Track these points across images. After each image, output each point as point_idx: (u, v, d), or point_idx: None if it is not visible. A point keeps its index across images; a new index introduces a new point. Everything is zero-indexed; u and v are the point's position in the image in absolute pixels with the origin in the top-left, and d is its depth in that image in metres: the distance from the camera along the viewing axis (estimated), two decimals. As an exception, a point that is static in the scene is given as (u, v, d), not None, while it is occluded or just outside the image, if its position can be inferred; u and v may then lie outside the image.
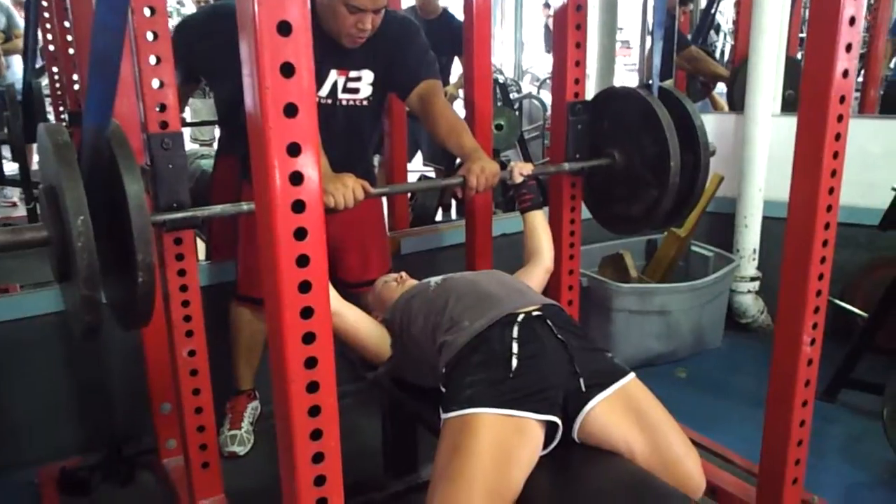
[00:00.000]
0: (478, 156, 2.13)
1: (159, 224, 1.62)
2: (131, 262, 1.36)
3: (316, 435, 1.08)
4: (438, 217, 4.34)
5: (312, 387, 1.06)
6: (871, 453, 2.52)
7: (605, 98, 2.26)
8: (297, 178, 0.97)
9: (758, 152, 3.41)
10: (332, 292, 1.71)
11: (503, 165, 2.21)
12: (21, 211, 4.88)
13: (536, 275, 2.09)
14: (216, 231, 2.84)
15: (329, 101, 2.28)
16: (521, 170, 2.15)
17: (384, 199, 3.07)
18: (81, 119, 1.42)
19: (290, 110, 0.96)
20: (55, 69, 3.70)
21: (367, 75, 2.31)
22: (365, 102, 2.34)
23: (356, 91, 2.32)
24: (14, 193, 5.24)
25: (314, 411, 1.07)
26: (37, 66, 4.01)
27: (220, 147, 2.91)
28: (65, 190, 1.24)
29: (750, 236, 3.52)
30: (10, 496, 2.38)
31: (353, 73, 2.29)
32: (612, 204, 2.29)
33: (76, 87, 3.24)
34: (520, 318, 1.70)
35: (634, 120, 2.13)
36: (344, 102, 2.31)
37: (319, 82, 2.24)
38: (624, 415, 1.62)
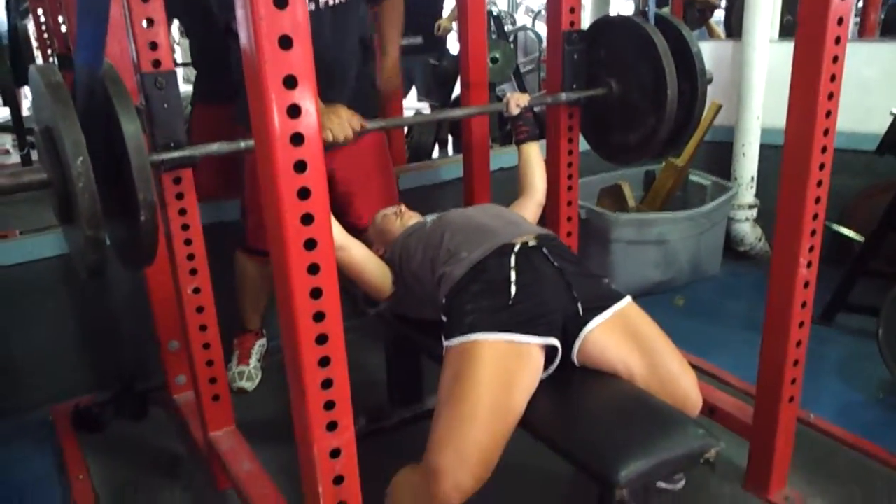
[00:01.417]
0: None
1: (158, 163, 1.62)
2: (132, 202, 1.37)
3: (324, 362, 1.11)
4: (435, 154, 4.33)
5: (319, 316, 1.08)
6: (866, 373, 2.58)
7: (601, 27, 2.23)
8: (294, 111, 0.97)
9: (756, 79, 3.39)
10: (338, 227, 1.73)
11: (499, 99, 2.19)
12: (15, 158, 4.86)
13: (529, 208, 2.10)
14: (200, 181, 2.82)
15: (312, 7, 2.20)
16: (518, 101, 2.14)
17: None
18: (71, 62, 1.41)
19: (285, 42, 0.95)
20: (40, 11, 3.63)
21: None
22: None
23: None
24: (6, 140, 5.20)
25: (321, 339, 1.09)
26: (21, 7, 3.94)
27: (198, 95, 2.86)
28: (62, 131, 1.24)
29: (748, 164, 3.52)
30: (27, 435, 2.45)
31: None
32: (610, 134, 2.29)
33: (63, 28, 3.19)
34: (516, 247, 1.72)
35: (631, 48, 2.11)
36: (330, 2, 2.23)
37: None
38: (621, 337, 1.66)
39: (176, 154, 1.64)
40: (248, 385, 2.60)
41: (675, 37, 2.05)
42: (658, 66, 2.01)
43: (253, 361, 2.65)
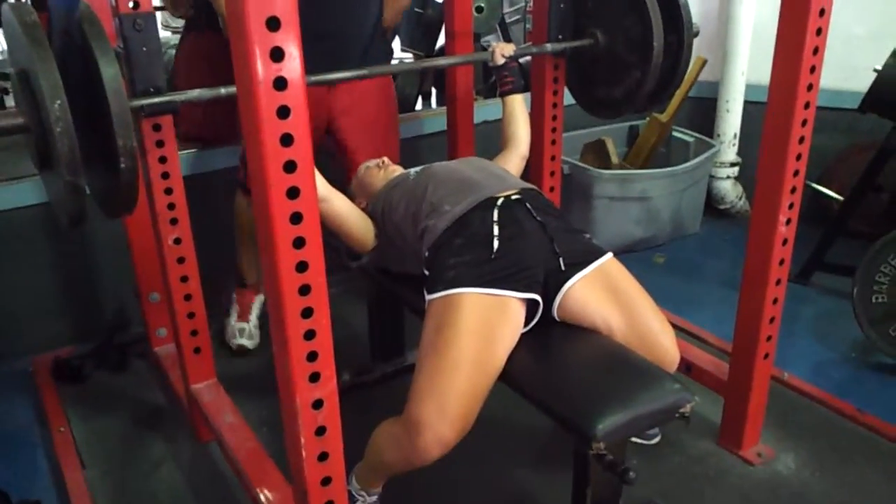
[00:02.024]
0: None
1: (137, 109, 1.58)
2: (112, 148, 1.34)
3: (307, 313, 1.10)
4: (418, 107, 4.28)
5: (302, 266, 1.07)
6: (840, 332, 2.62)
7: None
8: (277, 55, 0.95)
9: (742, 34, 3.37)
10: (321, 179, 1.71)
11: (483, 50, 2.16)
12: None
13: (512, 161, 2.09)
14: (185, 115, 2.75)
15: None
16: (503, 51, 2.11)
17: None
18: (45, 2, 1.37)
19: (269, -17, 0.93)
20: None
21: None
22: None
23: None
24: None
25: (304, 290, 1.09)
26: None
27: (193, 23, 2.77)
28: (39, 73, 1.20)
29: (731, 121, 3.52)
30: (6, 385, 2.44)
31: None
32: (595, 87, 2.26)
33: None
34: (499, 201, 1.72)
35: (617, -1, 2.08)
36: None
37: None
38: (602, 292, 1.66)
39: (156, 100, 1.60)
40: (249, 343, 2.52)
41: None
42: (644, 18, 1.98)
43: (253, 318, 2.56)
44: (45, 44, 1.21)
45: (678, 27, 2.03)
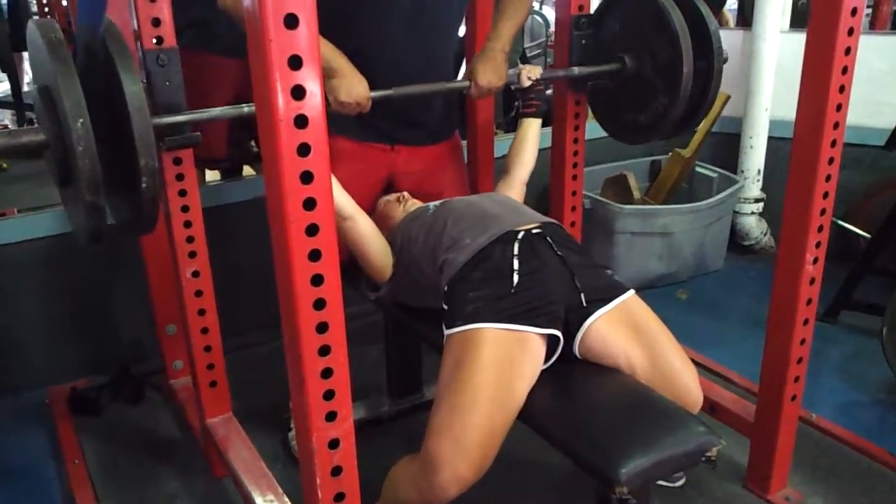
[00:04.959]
0: (490, 55, 1.99)
1: (160, 127, 1.55)
2: (133, 167, 1.33)
3: (324, 351, 1.09)
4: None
5: (319, 304, 1.06)
6: (868, 372, 2.56)
7: (614, 1, 2.17)
8: (299, 93, 0.95)
9: (765, 70, 3.35)
10: (348, 198, 1.73)
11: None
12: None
13: (514, 189, 2.07)
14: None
15: None
16: (530, 73, 2.08)
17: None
18: (71, 36, 1.37)
19: (291, 21, 0.92)
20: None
21: None
22: None
23: None
24: (6, 115, 5.18)
25: (322, 328, 1.07)
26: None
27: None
28: (62, 90, 1.20)
29: (755, 157, 3.49)
30: (22, 416, 2.43)
31: None
32: (621, 112, 2.23)
33: (64, 1, 3.16)
34: (520, 235, 1.69)
35: (646, 23, 2.04)
36: None
37: None
38: (624, 330, 1.63)
39: (178, 118, 1.58)
40: None
41: (691, 13, 1.98)
42: (675, 43, 1.94)
43: None
44: (70, 61, 1.21)
45: (708, 53, 1.99)
